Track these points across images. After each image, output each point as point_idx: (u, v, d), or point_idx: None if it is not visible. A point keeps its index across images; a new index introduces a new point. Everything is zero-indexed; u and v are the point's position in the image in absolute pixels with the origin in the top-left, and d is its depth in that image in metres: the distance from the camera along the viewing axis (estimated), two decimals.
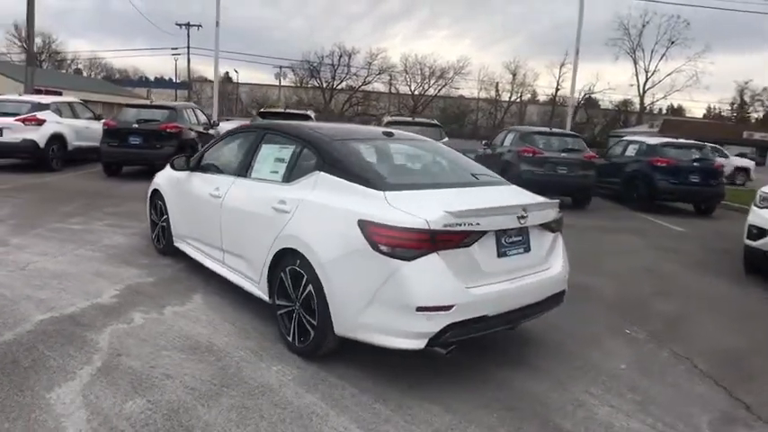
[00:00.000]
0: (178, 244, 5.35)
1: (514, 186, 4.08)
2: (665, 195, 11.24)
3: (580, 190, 11.06)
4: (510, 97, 62.92)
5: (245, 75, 78.90)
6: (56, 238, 6.08)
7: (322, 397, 3.13)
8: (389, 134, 4.28)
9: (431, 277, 3.01)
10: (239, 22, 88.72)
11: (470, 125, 60.79)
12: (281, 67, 68.35)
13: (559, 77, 56.53)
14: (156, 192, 5.71)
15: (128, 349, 3.55)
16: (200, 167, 5.01)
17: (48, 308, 4.11)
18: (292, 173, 3.90)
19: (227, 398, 3.07)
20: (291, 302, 3.59)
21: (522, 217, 3.34)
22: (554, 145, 11.07)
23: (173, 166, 5.24)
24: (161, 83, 66.15)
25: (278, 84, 69.97)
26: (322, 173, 3.65)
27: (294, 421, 2.88)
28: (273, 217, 3.75)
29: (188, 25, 47.17)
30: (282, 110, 13.54)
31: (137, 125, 10.52)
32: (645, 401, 3.37)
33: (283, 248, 3.61)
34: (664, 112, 58.02)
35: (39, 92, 34.37)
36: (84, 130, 11.66)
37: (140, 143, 10.29)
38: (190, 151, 9.58)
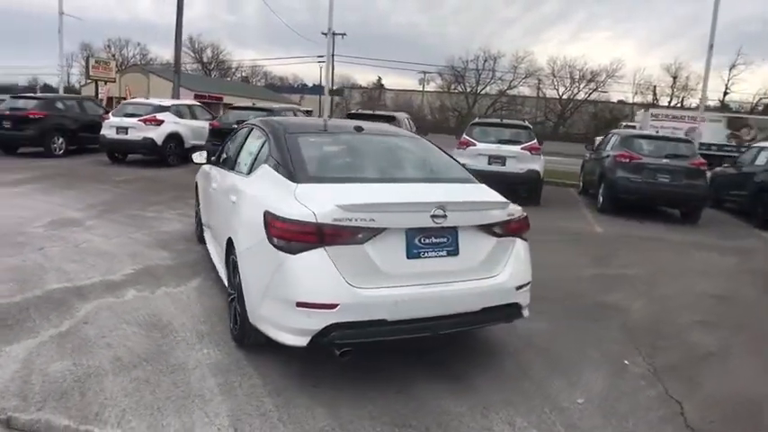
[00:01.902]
0: (205, 232, 5.79)
1: (478, 185, 3.72)
2: None
3: (686, 201, 9.60)
4: (669, 102, 56.54)
5: (392, 81, 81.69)
6: (124, 223, 6.96)
7: (223, 383, 3.21)
8: (359, 129, 4.18)
9: (314, 273, 2.92)
10: (390, 29, 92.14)
11: None
12: (424, 73, 69.83)
13: (728, 80, 49.53)
14: (196, 184, 6.25)
15: (96, 320, 3.97)
16: (216, 161, 5.38)
17: (66, 279, 4.75)
18: (253, 165, 4.03)
19: (139, 370, 3.29)
20: (234, 291, 3.71)
21: (439, 216, 3.05)
22: (657, 150, 9.74)
23: (193, 160, 5.69)
24: (316, 89, 70.90)
25: (421, 89, 71.53)
26: (266, 165, 3.72)
27: (177, 401, 2.99)
28: (230, 208, 3.92)
29: (333, 34, 49.94)
30: (371, 112, 13.78)
31: (236, 125, 11.51)
32: None
33: (229, 237, 3.75)
34: None
35: (202, 98, 38.84)
36: (201, 130, 13.08)
37: None
38: None
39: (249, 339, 3.51)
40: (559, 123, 58.89)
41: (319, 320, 2.90)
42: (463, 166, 4.13)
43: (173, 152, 12.70)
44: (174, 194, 9.26)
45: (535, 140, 10.63)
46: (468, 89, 65.29)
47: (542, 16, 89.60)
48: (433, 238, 3.12)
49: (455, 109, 64.33)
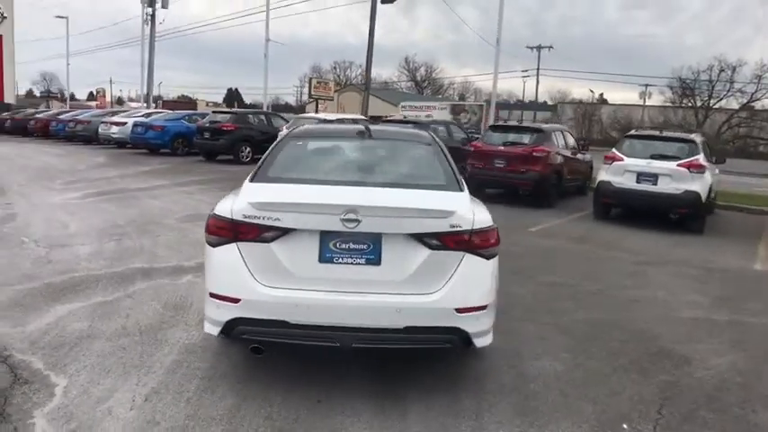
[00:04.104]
0: None
1: (452, 194, 3.32)
2: None
3: None
4: None
5: (611, 95, 75.39)
6: None
7: (177, 361, 3.53)
8: (363, 133, 4.10)
9: (224, 266, 3.03)
10: (609, 40, 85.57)
11: None
12: (646, 86, 63.24)
13: None
14: None
15: (139, 297, 4.66)
16: None
17: (149, 261, 5.66)
18: None
19: (127, 339, 3.81)
20: None
21: (351, 220, 2.89)
22: None
23: None
24: (532, 105, 68.35)
25: (642, 104, 64.77)
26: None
27: (128, 368, 3.40)
28: None
29: (539, 48, 48.56)
30: (516, 124, 12.95)
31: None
32: None
33: None
34: None
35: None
36: None
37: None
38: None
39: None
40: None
41: (225, 313, 3.00)
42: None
43: None
44: None
45: (698, 156, 8.92)
46: (699, 103, 56.99)
47: None
48: (350, 244, 2.97)
49: (681, 125, 56.55)
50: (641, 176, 9.08)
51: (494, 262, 3.20)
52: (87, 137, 20.53)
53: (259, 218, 2.95)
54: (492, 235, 3.16)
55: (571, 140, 12.81)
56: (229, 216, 3.03)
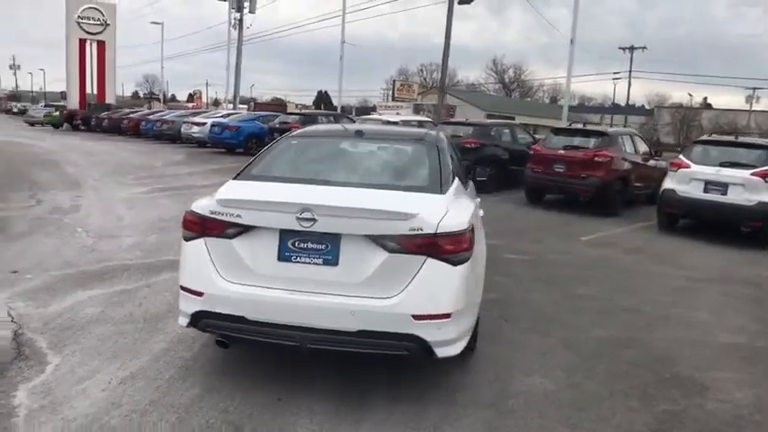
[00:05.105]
0: None
1: (429, 196, 3.23)
2: None
3: None
4: None
5: (713, 99, 69.33)
6: None
7: (165, 348, 3.71)
8: (360, 133, 4.09)
9: (192, 260, 3.15)
10: (718, 40, 78.93)
11: None
12: (754, 89, 57.65)
13: None
14: None
15: (157, 287, 4.94)
16: None
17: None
18: None
19: (129, 326, 4.06)
20: None
21: (306, 219, 2.89)
22: None
23: None
24: (629, 109, 64.28)
25: (748, 109, 59.12)
26: None
27: (118, 352, 3.62)
28: None
29: (631, 48, 45.86)
30: (581, 126, 12.16)
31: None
32: None
33: None
34: None
35: (492, 116, 40.86)
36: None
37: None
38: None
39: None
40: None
41: (192, 305, 3.11)
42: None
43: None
44: None
45: None
46: None
47: None
48: (309, 243, 2.96)
49: None
50: (709, 185, 8.30)
51: (464, 268, 3.04)
52: (172, 136, 22.14)
53: (223, 214, 3.04)
54: (462, 239, 3.02)
55: (642, 146, 11.97)
56: (199, 212, 3.15)
